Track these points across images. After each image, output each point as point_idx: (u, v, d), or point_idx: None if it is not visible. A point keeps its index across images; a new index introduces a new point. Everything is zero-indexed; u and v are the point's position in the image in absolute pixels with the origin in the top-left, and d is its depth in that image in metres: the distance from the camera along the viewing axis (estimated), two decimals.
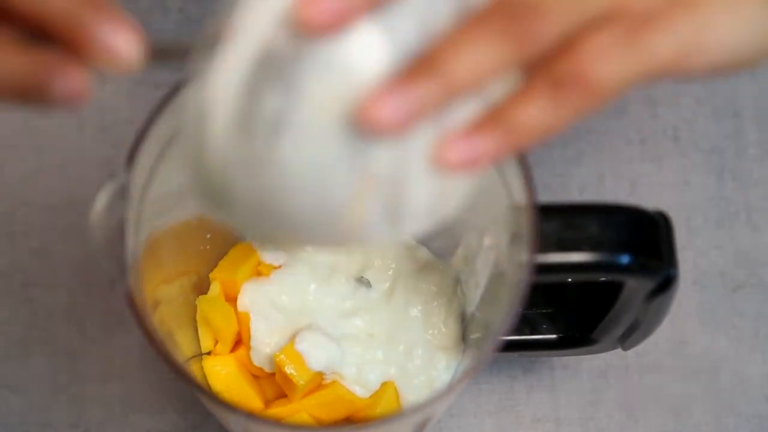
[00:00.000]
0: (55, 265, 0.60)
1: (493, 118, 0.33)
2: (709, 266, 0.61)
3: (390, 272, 0.55)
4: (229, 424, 0.50)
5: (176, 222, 0.49)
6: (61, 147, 0.62)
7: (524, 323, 0.53)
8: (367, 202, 0.34)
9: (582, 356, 0.58)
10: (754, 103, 0.64)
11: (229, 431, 0.54)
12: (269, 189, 0.33)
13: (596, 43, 0.33)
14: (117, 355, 0.58)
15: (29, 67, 0.32)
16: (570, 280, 0.52)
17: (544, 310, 0.53)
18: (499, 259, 0.47)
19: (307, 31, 0.31)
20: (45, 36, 0.32)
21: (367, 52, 0.32)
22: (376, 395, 0.53)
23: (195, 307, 0.54)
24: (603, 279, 0.48)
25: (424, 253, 0.56)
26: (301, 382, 0.51)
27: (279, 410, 0.52)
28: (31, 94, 0.32)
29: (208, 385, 0.53)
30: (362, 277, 0.55)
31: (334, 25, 0.31)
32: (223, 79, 0.33)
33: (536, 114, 0.33)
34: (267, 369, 0.53)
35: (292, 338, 0.52)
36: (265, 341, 0.53)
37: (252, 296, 0.54)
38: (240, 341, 0.54)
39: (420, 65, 0.32)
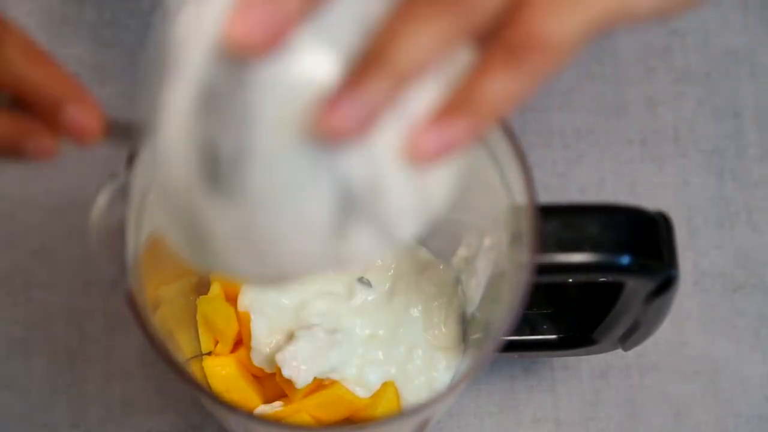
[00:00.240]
0: (55, 265, 0.60)
1: (458, 101, 0.32)
2: (709, 266, 0.61)
3: (390, 273, 0.55)
4: (229, 424, 0.50)
5: None
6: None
7: (524, 324, 0.53)
8: (352, 216, 0.33)
9: (582, 356, 0.58)
10: (754, 104, 0.64)
11: (229, 431, 0.54)
12: (249, 227, 0.32)
13: (540, 2, 0.32)
14: (117, 355, 0.58)
15: (10, 130, 0.38)
16: (570, 280, 0.52)
17: (545, 311, 0.53)
18: (500, 259, 0.47)
19: (242, 55, 0.30)
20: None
21: (311, 64, 0.31)
22: (376, 395, 0.53)
23: (195, 308, 0.54)
24: (603, 279, 0.48)
25: (424, 254, 0.56)
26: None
27: (279, 410, 0.52)
28: (9, 152, 0.38)
29: (209, 385, 0.53)
30: (362, 277, 0.55)
31: (270, 43, 0.30)
32: (171, 126, 0.32)
33: (500, 87, 0.32)
34: (267, 369, 0.53)
35: (292, 338, 0.52)
36: (265, 341, 0.53)
37: (252, 296, 0.54)
38: (240, 341, 0.54)
39: (366, 62, 0.31)
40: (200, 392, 0.43)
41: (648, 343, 0.52)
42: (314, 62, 0.31)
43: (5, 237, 0.60)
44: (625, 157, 0.63)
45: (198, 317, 0.54)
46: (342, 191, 0.32)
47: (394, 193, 0.33)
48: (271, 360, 0.52)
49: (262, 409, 0.53)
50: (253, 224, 0.32)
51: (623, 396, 0.59)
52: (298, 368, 0.51)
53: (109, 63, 0.63)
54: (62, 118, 0.37)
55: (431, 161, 0.32)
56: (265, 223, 0.32)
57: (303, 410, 0.52)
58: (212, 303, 0.54)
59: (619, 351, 0.53)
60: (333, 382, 0.52)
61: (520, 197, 0.43)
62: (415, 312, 0.54)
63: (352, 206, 0.32)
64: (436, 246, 0.56)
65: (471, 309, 0.53)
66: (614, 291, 0.48)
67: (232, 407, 0.45)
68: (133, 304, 0.41)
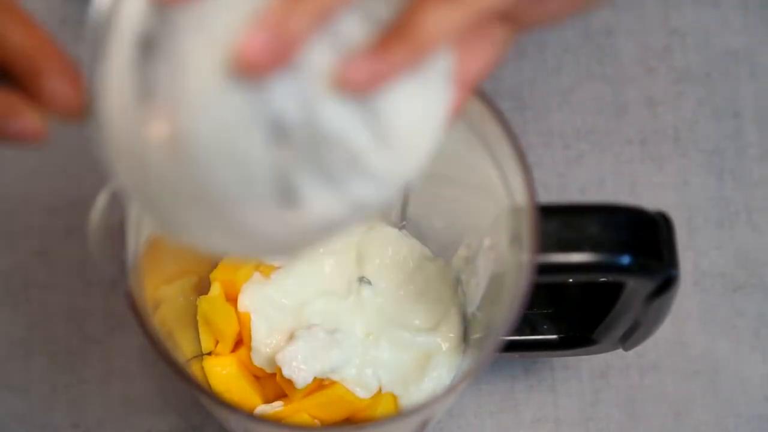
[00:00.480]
0: (55, 266, 0.60)
1: (395, 31, 0.32)
2: (709, 266, 0.61)
3: (390, 273, 0.55)
4: (230, 424, 0.50)
5: None
6: (61, 147, 0.61)
7: (525, 323, 0.53)
8: (295, 163, 0.32)
9: (582, 356, 0.58)
10: (754, 104, 0.64)
11: (229, 431, 0.54)
12: (193, 177, 0.32)
13: None
14: (117, 355, 0.58)
15: None
16: (571, 280, 0.52)
17: (545, 311, 0.53)
18: (500, 259, 0.47)
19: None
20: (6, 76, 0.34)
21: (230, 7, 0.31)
22: (376, 396, 0.53)
23: (195, 308, 0.54)
24: (603, 279, 0.48)
25: (424, 253, 0.56)
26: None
27: (279, 410, 0.52)
28: None
29: (209, 385, 0.53)
30: (363, 277, 0.55)
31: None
32: (112, 71, 0.32)
33: (440, 16, 0.32)
34: (267, 369, 0.53)
35: (292, 338, 0.52)
36: (265, 341, 0.53)
37: (252, 296, 0.54)
38: (240, 341, 0.54)
39: None
40: (200, 392, 0.43)
41: (648, 343, 0.52)
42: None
43: (5, 237, 0.60)
44: (625, 157, 0.63)
45: (198, 317, 0.54)
46: (275, 128, 0.31)
47: (335, 132, 0.32)
48: (272, 360, 0.52)
49: (262, 409, 0.53)
50: (196, 174, 0.32)
51: (623, 396, 0.59)
52: (298, 368, 0.51)
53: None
54: (42, 90, 0.34)
55: (361, 89, 0.31)
56: (208, 172, 0.32)
57: (303, 410, 0.52)
58: (212, 303, 0.54)
59: (619, 351, 0.53)
60: (333, 382, 0.52)
61: (520, 197, 0.43)
62: (415, 312, 0.54)
63: (288, 145, 0.31)
64: (436, 246, 0.56)
65: (471, 309, 0.53)
66: (614, 291, 0.48)
67: (232, 407, 0.45)
68: (133, 304, 0.41)
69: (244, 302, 0.53)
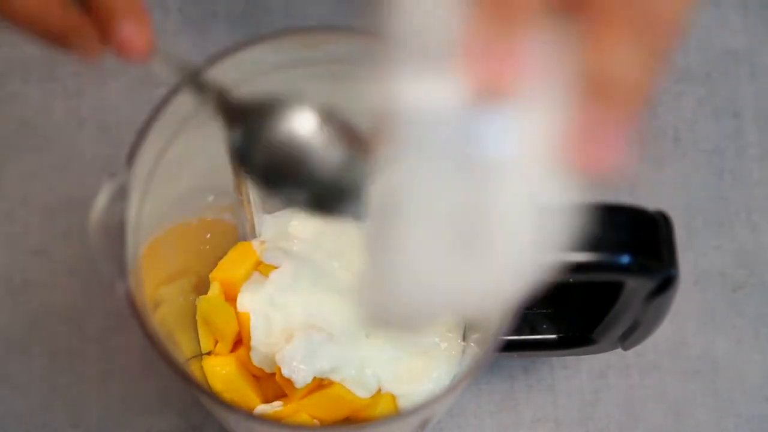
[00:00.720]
0: (55, 265, 0.60)
1: (598, 95, 0.28)
2: (709, 266, 0.61)
3: None
4: (229, 424, 0.50)
5: (176, 222, 0.49)
6: (61, 147, 0.62)
7: (524, 323, 0.53)
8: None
9: (582, 356, 0.58)
10: (754, 104, 0.64)
11: (229, 431, 0.54)
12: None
13: None
14: (117, 355, 0.58)
15: (64, 23, 0.38)
16: (570, 280, 0.52)
17: (544, 310, 0.53)
18: None
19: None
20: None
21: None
22: (376, 395, 0.53)
23: (195, 308, 0.54)
24: (603, 279, 0.48)
25: None
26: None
27: (279, 410, 0.52)
28: (57, 42, 0.38)
29: (208, 385, 0.53)
30: None
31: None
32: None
33: (631, 68, 0.28)
34: (267, 369, 0.53)
35: (291, 338, 0.52)
36: (264, 341, 0.53)
37: (252, 296, 0.54)
38: (240, 341, 0.54)
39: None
40: (200, 392, 0.43)
41: (648, 343, 0.52)
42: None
43: (5, 237, 0.60)
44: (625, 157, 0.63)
45: (198, 317, 0.54)
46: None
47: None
48: (271, 360, 0.52)
49: (262, 408, 0.53)
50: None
51: (623, 396, 0.59)
52: (298, 368, 0.51)
53: (109, 62, 0.63)
54: (114, 32, 0.37)
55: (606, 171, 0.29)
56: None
57: (303, 410, 0.52)
58: (212, 303, 0.54)
59: (619, 351, 0.53)
60: (332, 382, 0.52)
61: None
62: None
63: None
64: None
65: None
66: (614, 291, 0.48)
67: (231, 407, 0.45)
68: (133, 304, 0.41)
69: (244, 302, 0.53)
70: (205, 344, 0.54)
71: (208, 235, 0.54)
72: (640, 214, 0.45)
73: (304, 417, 0.52)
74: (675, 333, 0.60)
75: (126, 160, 0.41)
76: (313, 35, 0.45)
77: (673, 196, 0.62)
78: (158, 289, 0.48)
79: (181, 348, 0.51)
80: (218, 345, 0.54)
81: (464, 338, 0.54)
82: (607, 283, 0.49)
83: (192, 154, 0.46)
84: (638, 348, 0.53)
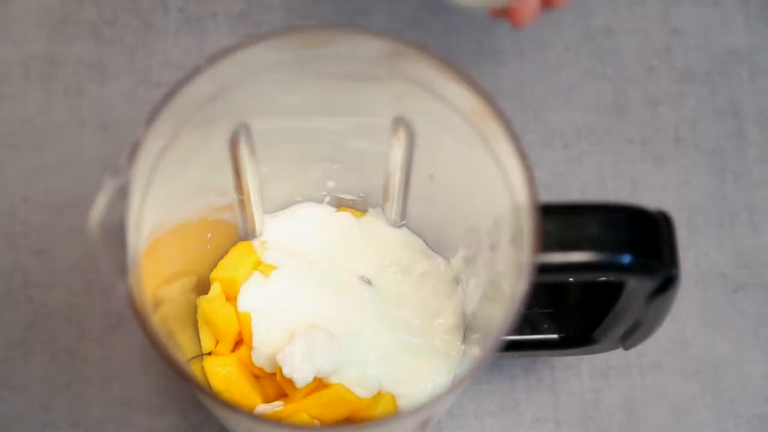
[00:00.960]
0: (55, 265, 0.60)
1: None
2: (710, 266, 0.61)
3: (390, 272, 0.55)
4: (230, 424, 0.50)
5: (176, 222, 0.49)
6: (61, 147, 0.62)
7: (525, 323, 0.53)
8: None
9: (583, 356, 0.58)
10: (755, 104, 0.64)
11: (230, 431, 0.54)
12: None
13: None
14: (117, 355, 0.58)
15: None
16: (571, 279, 0.52)
17: (545, 310, 0.53)
18: (500, 259, 0.47)
19: None
20: None
21: None
22: (376, 396, 0.53)
23: (195, 307, 0.54)
24: (604, 279, 0.48)
25: (425, 253, 0.56)
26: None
27: (279, 410, 0.52)
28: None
29: (209, 385, 0.53)
30: (362, 276, 0.55)
31: None
32: None
33: None
34: (267, 369, 0.53)
35: (292, 338, 0.52)
36: (265, 341, 0.53)
37: (252, 296, 0.54)
38: (241, 341, 0.54)
39: None
40: (200, 392, 0.43)
41: (648, 343, 0.52)
42: None
43: (5, 237, 0.60)
44: (626, 156, 0.63)
45: (198, 317, 0.54)
46: None
47: None
48: (272, 360, 0.52)
49: (262, 408, 0.53)
50: None
51: (623, 396, 0.59)
52: (299, 368, 0.51)
53: (109, 62, 0.63)
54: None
55: None
56: None
57: (303, 410, 0.52)
58: (212, 303, 0.54)
59: (620, 350, 0.53)
60: (333, 382, 0.52)
61: (521, 197, 0.42)
62: (415, 312, 0.54)
63: None
64: (436, 245, 0.56)
65: (471, 309, 0.53)
66: (615, 290, 0.48)
67: (232, 407, 0.45)
68: (133, 304, 0.41)
69: (244, 302, 0.53)
70: (206, 344, 0.54)
71: (209, 235, 0.54)
72: (641, 214, 0.45)
73: (304, 417, 0.52)
74: (676, 333, 0.60)
75: (126, 160, 0.41)
76: (313, 35, 0.45)
77: (674, 196, 0.62)
78: (159, 288, 0.48)
79: (182, 348, 0.51)
80: (219, 345, 0.54)
81: (464, 339, 0.54)
82: (608, 283, 0.49)
83: (192, 154, 0.46)
84: (639, 348, 0.53)
